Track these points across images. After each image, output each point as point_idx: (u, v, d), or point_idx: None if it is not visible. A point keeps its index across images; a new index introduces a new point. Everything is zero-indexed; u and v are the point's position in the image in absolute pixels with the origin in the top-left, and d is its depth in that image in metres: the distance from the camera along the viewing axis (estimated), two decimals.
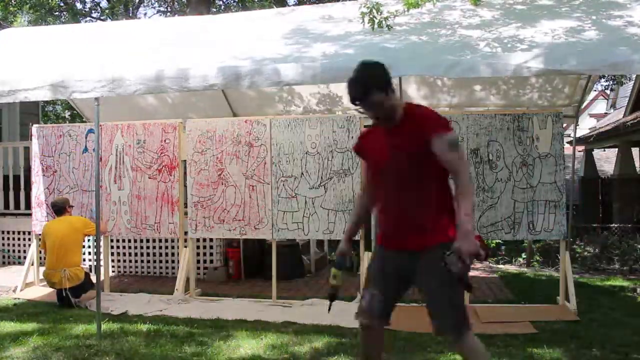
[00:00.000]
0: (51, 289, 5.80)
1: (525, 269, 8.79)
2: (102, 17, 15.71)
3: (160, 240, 7.40)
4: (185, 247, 6.09)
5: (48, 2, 13.92)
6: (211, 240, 7.25)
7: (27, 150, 7.25)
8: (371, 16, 4.85)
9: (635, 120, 10.97)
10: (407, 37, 4.83)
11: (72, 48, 5.98)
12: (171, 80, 4.48)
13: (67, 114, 16.98)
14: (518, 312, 5.21)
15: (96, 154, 4.68)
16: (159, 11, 16.84)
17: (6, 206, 8.07)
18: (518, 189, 5.39)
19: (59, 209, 5.78)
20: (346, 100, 7.59)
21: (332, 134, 5.67)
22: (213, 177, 5.92)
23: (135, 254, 7.52)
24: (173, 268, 7.27)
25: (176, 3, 15.92)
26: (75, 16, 14.85)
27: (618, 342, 4.25)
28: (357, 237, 5.68)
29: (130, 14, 15.82)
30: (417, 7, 5.06)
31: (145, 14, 25.06)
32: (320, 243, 8.83)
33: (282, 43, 5.09)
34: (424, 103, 7.37)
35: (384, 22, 4.86)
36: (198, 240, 7.11)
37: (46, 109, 16.42)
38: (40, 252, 6.50)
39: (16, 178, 7.91)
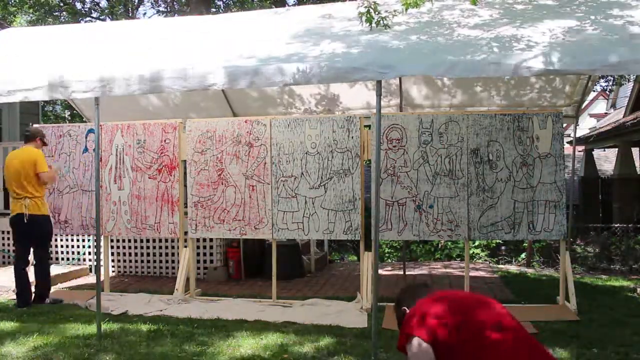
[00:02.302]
0: (51, 290, 5.81)
1: (525, 269, 8.79)
2: (101, 17, 15.71)
3: (160, 240, 7.40)
4: (185, 247, 6.09)
5: (48, 2, 13.91)
6: (211, 240, 7.25)
7: None
8: (368, 16, 4.84)
9: (635, 120, 10.98)
10: (407, 37, 4.83)
11: (72, 48, 5.97)
12: (171, 80, 4.47)
13: (67, 114, 16.98)
14: (518, 312, 5.18)
15: (96, 154, 4.68)
16: (158, 11, 16.83)
17: (6, 206, 8.06)
18: (518, 189, 5.39)
19: (28, 136, 5.77)
20: (345, 100, 7.65)
21: (332, 134, 5.67)
22: (213, 177, 5.92)
23: (135, 254, 7.52)
24: (173, 268, 7.27)
25: (176, 3, 15.92)
26: (75, 16, 14.86)
27: (618, 342, 4.26)
28: (357, 237, 5.68)
29: (130, 14, 15.82)
30: (416, 7, 5.05)
31: (144, 13, 25.08)
32: (320, 243, 8.84)
33: (282, 43, 5.08)
34: (425, 103, 7.38)
35: (382, 21, 4.86)
36: (198, 240, 7.11)
37: (46, 109, 16.41)
38: None
39: None
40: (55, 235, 7.57)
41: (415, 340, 2.30)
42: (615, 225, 10.48)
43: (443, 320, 2.29)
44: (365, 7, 4.86)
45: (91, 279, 7.17)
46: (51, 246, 6.00)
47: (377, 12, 4.85)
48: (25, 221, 5.46)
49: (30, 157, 5.56)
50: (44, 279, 5.65)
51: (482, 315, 2.31)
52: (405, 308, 2.56)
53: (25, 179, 5.50)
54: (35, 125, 6.67)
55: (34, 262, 5.66)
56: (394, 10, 4.95)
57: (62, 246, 7.80)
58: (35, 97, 4.73)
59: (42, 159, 5.64)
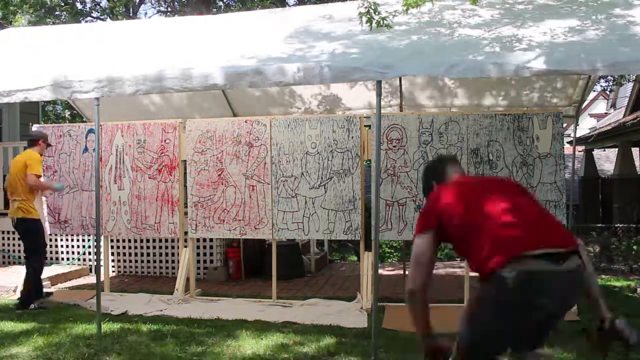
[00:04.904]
0: (51, 290, 5.80)
1: None
2: (102, 17, 15.71)
3: (160, 240, 7.40)
4: (185, 247, 6.09)
5: (48, 1, 13.90)
6: (211, 240, 7.24)
7: None
8: (368, 16, 4.84)
9: (635, 120, 10.97)
10: (407, 37, 4.83)
11: (72, 48, 5.97)
12: (172, 80, 4.47)
13: (67, 114, 16.97)
14: None
15: (96, 154, 4.68)
16: (159, 11, 16.83)
17: (6, 206, 8.05)
18: None
19: (29, 141, 5.71)
20: (346, 100, 7.65)
21: (332, 134, 5.67)
22: (213, 177, 5.92)
23: (135, 254, 7.52)
24: (173, 268, 7.27)
25: (176, 3, 15.91)
26: (76, 16, 14.84)
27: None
28: (357, 237, 5.68)
29: (131, 14, 15.81)
30: (416, 7, 5.05)
31: (145, 13, 25.06)
32: (320, 243, 8.83)
33: (283, 43, 5.08)
34: (425, 103, 7.37)
35: (382, 22, 4.86)
36: (198, 240, 7.11)
37: (46, 109, 16.40)
38: None
39: None
40: (55, 235, 7.59)
41: (423, 236, 2.33)
42: (616, 225, 10.48)
43: (454, 208, 2.31)
44: (366, 7, 4.86)
45: (91, 279, 7.17)
46: (44, 252, 5.86)
47: (377, 13, 4.84)
48: (14, 225, 5.56)
49: (23, 159, 5.53)
50: (29, 284, 5.48)
51: (496, 200, 2.31)
52: (434, 183, 2.59)
53: (18, 181, 5.48)
54: (35, 127, 6.65)
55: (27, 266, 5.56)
56: (395, 11, 4.95)
57: (62, 246, 7.80)
58: (35, 98, 4.73)
59: (34, 161, 5.51)
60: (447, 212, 2.31)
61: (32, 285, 5.49)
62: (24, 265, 5.62)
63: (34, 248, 5.55)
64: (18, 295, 5.99)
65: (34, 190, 5.60)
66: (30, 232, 5.54)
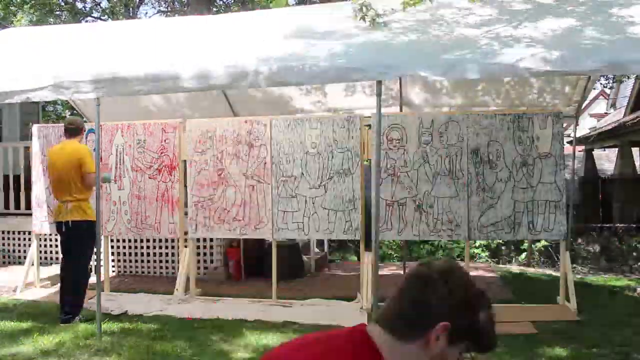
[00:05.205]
0: (51, 290, 5.77)
1: (526, 269, 8.79)
2: (102, 17, 15.71)
3: (160, 240, 7.39)
4: (185, 247, 6.09)
5: (49, 1, 13.91)
6: (211, 240, 7.24)
7: (27, 150, 7.25)
8: (362, 14, 4.86)
9: (635, 120, 10.97)
10: (406, 37, 4.83)
11: (72, 48, 5.97)
12: (173, 80, 4.48)
13: (67, 114, 16.97)
14: (518, 312, 5.21)
15: (96, 154, 4.68)
16: (159, 11, 16.85)
17: (6, 206, 8.06)
18: (518, 189, 5.39)
19: (74, 129, 5.11)
20: (345, 103, 7.63)
21: (332, 134, 5.67)
22: (213, 177, 5.92)
23: (135, 254, 7.52)
24: (173, 268, 7.27)
25: (176, 3, 15.92)
26: (76, 16, 14.85)
27: (618, 342, 4.26)
28: (357, 237, 5.67)
29: (131, 14, 15.81)
30: (414, 6, 5.06)
31: (145, 13, 25.07)
32: (320, 243, 8.83)
33: (283, 43, 5.08)
34: (425, 104, 7.36)
35: (377, 19, 4.87)
36: (198, 240, 7.10)
37: (47, 109, 16.40)
38: (40, 252, 6.48)
39: (16, 178, 7.90)
40: (56, 235, 7.58)
41: None
42: (616, 225, 10.48)
43: None
44: (359, 4, 4.87)
45: (91, 279, 7.16)
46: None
47: (368, 10, 4.85)
48: (69, 228, 4.93)
49: (75, 154, 4.94)
50: (79, 295, 5.01)
51: None
52: None
53: (71, 179, 4.93)
54: (35, 126, 6.64)
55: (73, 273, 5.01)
56: (392, 9, 4.95)
57: None
58: (36, 98, 4.74)
59: (89, 157, 4.95)
60: None
61: (77, 294, 4.97)
62: (61, 272, 5.14)
63: (85, 254, 5.02)
64: (18, 294, 5.97)
65: (90, 188, 5.03)
66: (86, 237, 4.90)
